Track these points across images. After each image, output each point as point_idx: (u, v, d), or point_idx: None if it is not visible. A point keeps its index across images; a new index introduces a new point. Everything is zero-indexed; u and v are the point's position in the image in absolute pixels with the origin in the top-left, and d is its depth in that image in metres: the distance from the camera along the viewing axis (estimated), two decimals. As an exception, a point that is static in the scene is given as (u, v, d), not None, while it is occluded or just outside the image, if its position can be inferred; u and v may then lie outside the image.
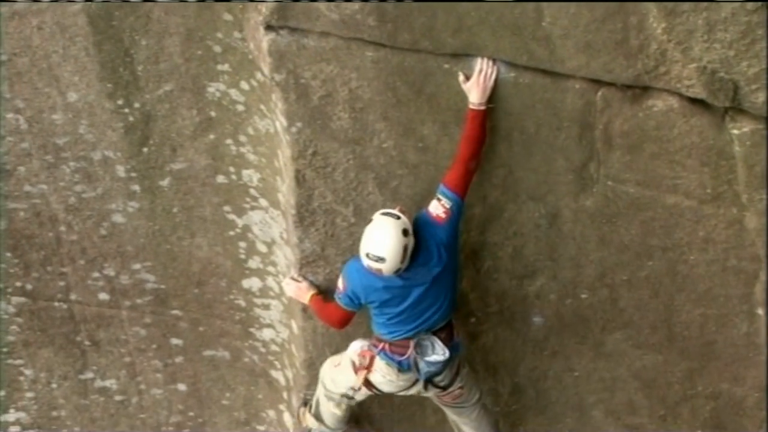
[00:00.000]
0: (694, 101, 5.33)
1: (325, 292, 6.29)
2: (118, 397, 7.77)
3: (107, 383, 7.70)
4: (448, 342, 5.90)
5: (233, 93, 6.23)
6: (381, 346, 5.95)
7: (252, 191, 6.57)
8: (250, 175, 6.51)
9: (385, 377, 6.02)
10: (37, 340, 7.52)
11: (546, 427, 6.84)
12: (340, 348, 6.40)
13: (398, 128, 5.82)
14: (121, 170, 6.70)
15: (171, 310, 7.26)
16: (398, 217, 5.58)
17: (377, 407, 6.84)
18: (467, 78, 5.53)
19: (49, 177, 6.79)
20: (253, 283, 6.94)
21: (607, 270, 6.06)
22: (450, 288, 5.83)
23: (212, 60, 6.16)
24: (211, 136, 6.45)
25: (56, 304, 7.35)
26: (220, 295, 7.08)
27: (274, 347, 7.14)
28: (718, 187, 5.57)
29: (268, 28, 5.63)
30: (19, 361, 7.62)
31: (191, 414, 7.79)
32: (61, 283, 7.25)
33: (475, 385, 6.28)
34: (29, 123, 6.59)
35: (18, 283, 7.25)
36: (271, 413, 7.54)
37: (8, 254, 7.11)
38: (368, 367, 6.03)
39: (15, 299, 7.33)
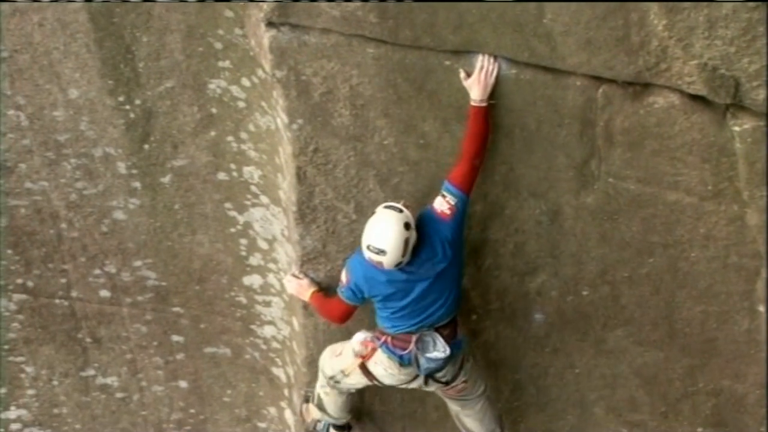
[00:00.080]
0: (695, 98, 5.33)
1: (326, 289, 6.29)
2: (119, 394, 7.78)
3: (108, 380, 7.70)
4: (451, 339, 5.90)
5: (234, 90, 6.23)
6: (383, 338, 5.96)
7: (253, 188, 6.57)
8: (251, 172, 6.51)
9: (386, 370, 6.03)
10: (39, 337, 7.53)
11: (547, 424, 6.84)
12: (341, 345, 6.41)
13: (399, 125, 5.82)
14: (122, 167, 6.70)
15: (172, 307, 7.27)
16: (401, 211, 5.59)
17: (378, 404, 6.85)
18: (468, 75, 5.53)
19: (50, 174, 6.79)
20: (254, 280, 6.95)
21: (608, 267, 6.06)
22: (454, 284, 5.83)
23: (213, 57, 6.16)
24: (212, 133, 6.45)
25: (57, 301, 7.35)
26: (221, 292, 7.09)
27: (275, 344, 7.14)
28: (719, 184, 5.56)
29: (270, 24, 5.63)
30: (20, 359, 7.63)
31: (192, 411, 7.80)
32: (63, 280, 7.25)
33: (480, 377, 6.29)
34: (30, 120, 6.60)
35: (19, 280, 7.26)
36: (272, 410, 7.55)
37: (9, 251, 7.11)
38: (366, 356, 6.04)
39: (16, 296, 7.34)
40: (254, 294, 7.00)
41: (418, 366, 5.93)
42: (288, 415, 7.40)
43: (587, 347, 6.41)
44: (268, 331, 7.12)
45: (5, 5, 6.17)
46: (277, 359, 7.20)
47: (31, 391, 7.80)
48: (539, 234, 6.04)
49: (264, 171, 6.45)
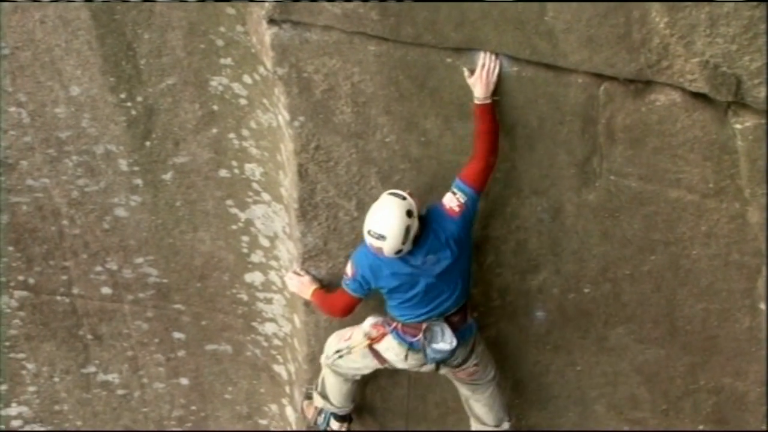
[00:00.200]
0: (697, 96, 5.33)
1: (327, 287, 6.29)
2: (120, 391, 7.78)
3: (109, 377, 7.71)
4: (461, 324, 5.92)
5: (236, 87, 6.23)
6: (394, 325, 5.98)
7: (255, 185, 6.57)
8: (253, 169, 6.51)
9: (397, 356, 6.05)
10: (40, 334, 7.53)
11: (548, 421, 6.85)
12: (342, 342, 6.41)
13: (401, 122, 5.82)
14: (123, 164, 6.70)
15: (173, 304, 7.27)
16: (404, 198, 5.60)
17: (380, 401, 6.85)
18: (472, 73, 5.53)
19: (52, 171, 6.79)
20: (255, 277, 6.95)
21: (609, 264, 6.06)
22: (462, 278, 5.84)
23: (215, 54, 6.16)
24: (214, 130, 6.45)
25: (59, 298, 7.35)
26: (223, 290, 7.09)
27: (276, 341, 7.14)
28: (721, 181, 5.57)
29: (271, 21, 5.63)
30: (21, 355, 7.63)
31: (193, 408, 7.80)
32: (64, 277, 7.25)
33: (490, 362, 6.29)
34: (32, 117, 6.59)
35: (20, 277, 7.26)
36: (274, 407, 7.55)
37: (11, 248, 7.12)
38: (375, 339, 6.05)
39: (17, 293, 7.34)
40: (255, 291, 7.01)
41: (425, 355, 5.95)
42: (289, 412, 7.40)
43: (588, 345, 6.41)
44: (269, 328, 7.13)
45: (6, 2, 6.16)
46: (279, 356, 7.20)
47: (32, 388, 7.80)
48: (541, 231, 6.05)
49: (265, 168, 6.45)
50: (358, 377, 6.43)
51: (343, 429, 6.70)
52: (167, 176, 6.69)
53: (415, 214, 5.60)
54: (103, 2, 6.07)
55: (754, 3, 4.93)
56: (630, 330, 6.28)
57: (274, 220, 6.61)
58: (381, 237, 5.56)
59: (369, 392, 6.75)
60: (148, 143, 6.58)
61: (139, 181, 6.75)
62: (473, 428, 6.57)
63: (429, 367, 6.10)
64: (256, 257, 6.85)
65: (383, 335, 6.04)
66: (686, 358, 6.31)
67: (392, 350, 6.05)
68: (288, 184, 6.23)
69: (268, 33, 5.67)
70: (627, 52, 5.26)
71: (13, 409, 7.89)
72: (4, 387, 7.77)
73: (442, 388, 6.71)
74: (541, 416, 6.82)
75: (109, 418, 7.91)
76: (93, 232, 7.02)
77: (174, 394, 7.74)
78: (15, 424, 7.94)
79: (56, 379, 7.75)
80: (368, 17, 5.49)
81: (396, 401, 6.83)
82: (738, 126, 5.35)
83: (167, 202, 6.80)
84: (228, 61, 6.16)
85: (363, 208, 6.00)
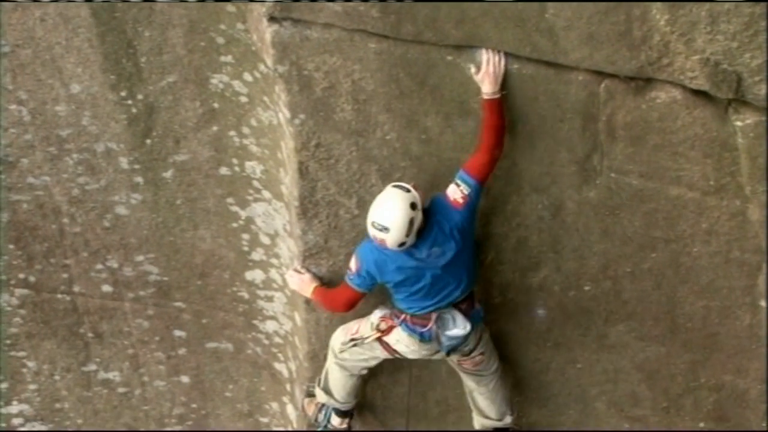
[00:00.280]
0: (698, 93, 5.33)
1: (328, 284, 6.29)
2: (121, 389, 7.78)
3: (110, 375, 7.71)
4: (469, 310, 5.94)
5: (236, 84, 6.23)
6: (402, 317, 5.99)
7: (255, 183, 6.57)
8: (254, 167, 6.51)
9: (408, 347, 6.07)
10: (40, 332, 7.53)
11: (549, 419, 6.84)
12: (343, 340, 6.40)
13: (401, 120, 5.82)
14: (124, 162, 6.70)
15: (174, 302, 7.27)
16: (408, 191, 5.61)
17: (380, 399, 6.85)
18: (479, 70, 5.53)
19: (52, 169, 6.79)
20: (256, 275, 6.95)
21: (610, 262, 6.06)
22: (468, 267, 5.86)
23: (215, 51, 6.16)
24: (214, 128, 6.45)
25: (59, 296, 7.36)
26: (223, 287, 7.09)
27: (277, 339, 7.14)
28: (721, 178, 5.57)
29: (272, 19, 5.63)
30: (22, 353, 7.63)
31: (194, 406, 7.80)
32: (65, 275, 7.25)
33: (494, 354, 6.31)
34: (32, 114, 6.59)
35: (21, 275, 7.26)
36: (274, 405, 7.55)
37: (11, 246, 7.12)
38: (384, 332, 6.06)
39: (18, 291, 7.34)
40: (256, 289, 7.01)
41: (440, 343, 5.95)
42: (290, 410, 7.40)
43: (589, 342, 6.41)
44: (270, 326, 7.13)
45: (7, 1, 6.16)
46: (279, 354, 7.20)
47: (32, 386, 7.80)
48: (541, 229, 6.05)
49: (266, 166, 6.45)
50: (364, 372, 6.43)
51: (344, 425, 6.70)
52: (168, 174, 6.69)
53: (419, 206, 5.61)
54: (103, 0, 6.07)
55: (755, 0, 4.93)
56: (630, 327, 6.28)
57: (274, 217, 6.61)
58: (384, 229, 5.56)
59: (369, 390, 6.75)
60: (148, 141, 6.58)
61: (139, 179, 6.75)
62: (475, 423, 6.58)
63: (440, 355, 6.11)
64: (257, 255, 6.85)
65: (392, 328, 6.05)
66: (687, 356, 6.31)
67: (402, 342, 6.06)
68: (288, 181, 6.23)
69: (268, 30, 5.67)
70: (628, 49, 5.26)
71: (14, 407, 7.89)
72: (4, 385, 7.77)
73: (443, 386, 6.71)
74: (541, 414, 6.82)
75: (109, 416, 7.91)
76: (93, 230, 7.02)
77: (175, 392, 7.74)
78: (16, 422, 7.94)
79: (57, 377, 7.75)
80: (369, 15, 5.49)
81: (396, 399, 6.83)
82: (738, 123, 5.35)
83: (168, 200, 6.80)
84: (228, 58, 6.16)
85: (364, 205, 6.00)
